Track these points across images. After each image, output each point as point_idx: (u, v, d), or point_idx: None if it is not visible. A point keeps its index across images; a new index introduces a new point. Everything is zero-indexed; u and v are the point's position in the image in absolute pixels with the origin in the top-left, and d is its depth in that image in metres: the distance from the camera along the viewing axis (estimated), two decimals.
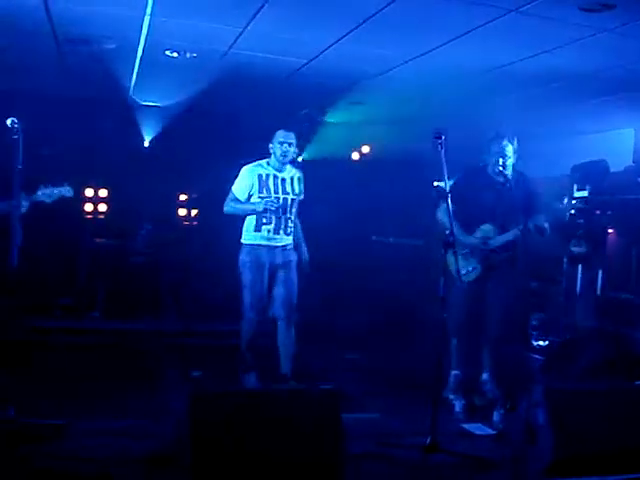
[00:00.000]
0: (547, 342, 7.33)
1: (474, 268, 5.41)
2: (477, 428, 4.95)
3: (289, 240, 5.72)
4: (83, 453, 3.87)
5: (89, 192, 9.12)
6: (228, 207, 5.68)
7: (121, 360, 6.54)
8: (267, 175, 5.62)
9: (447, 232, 4.63)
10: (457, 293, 5.20)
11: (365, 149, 9.88)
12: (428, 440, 4.25)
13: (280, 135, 5.60)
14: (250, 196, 5.62)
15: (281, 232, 5.63)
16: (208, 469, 3.43)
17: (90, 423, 4.45)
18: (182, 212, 9.21)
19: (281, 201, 5.59)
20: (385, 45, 5.59)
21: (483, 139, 5.50)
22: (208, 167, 8.24)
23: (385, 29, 5.15)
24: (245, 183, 5.62)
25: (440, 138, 4.50)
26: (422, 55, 5.73)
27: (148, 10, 5.07)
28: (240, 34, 5.49)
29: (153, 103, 8.66)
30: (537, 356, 6.95)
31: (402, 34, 5.28)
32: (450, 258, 4.69)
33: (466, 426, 4.99)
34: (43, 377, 5.57)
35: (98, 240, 8.84)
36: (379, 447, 4.33)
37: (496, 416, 5.06)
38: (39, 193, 4.62)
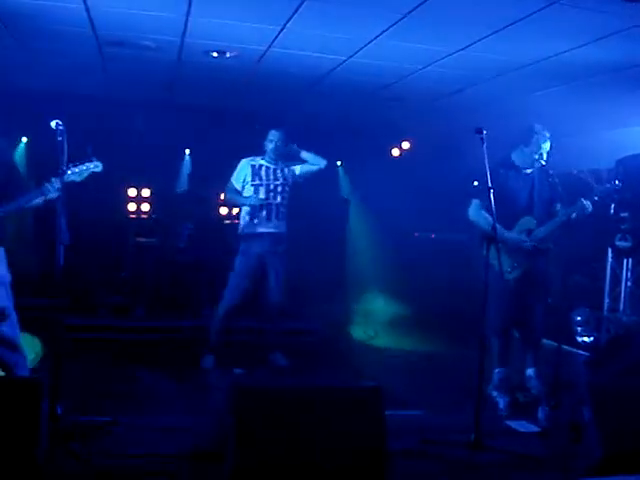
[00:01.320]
0: (592, 338, 7.23)
1: (517, 264, 5.36)
2: (521, 425, 4.91)
3: (282, 225, 6.37)
4: (130, 449, 3.92)
5: (132, 192, 9.26)
6: (227, 195, 6.52)
7: (165, 357, 6.62)
8: (260, 165, 6.39)
9: (489, 227, 4.60)
10: (500, 289, 5.15)
11: (405, 145, 9.84)
12: (472, 437, 4.23)
13: (270, 134, 6.37)
14: (245, 184, 6.36)
15: (272, 218, 6.30)
16: (251, 465, 3.45)
17: (136, 419, 4.52)
18: (223, 211, 9.29)
19: (271, 187, 6.31)
20: (425, 40, 5.54)
21: (519, 133, 5.45)
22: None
23: (425, 24, 5.11)
24: (241, 173, 6.40)
25: (481, 133, 4.47)
26: (463, 49, 5.67)
27: (188, 11, 5.12)
28: (279, 32, 5.50)
29: (193, 103, 8.73)
30: (582, 352, 6.87)
31: (442, 28, 5.23)
32: (493, 253, 4.65)
33: (510, 423, 4.95)
34: (89, 375, 5.66)
35: (141, 239, 8.96)
36: (423, 444, 4.31)
37: (541, 413, 5.01)
38: (68, 173, 4.64)
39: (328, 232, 9.08)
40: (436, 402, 5.38)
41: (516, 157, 5.47)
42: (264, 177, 6.35)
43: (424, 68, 6.35)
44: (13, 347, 4.90)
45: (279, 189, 6.36)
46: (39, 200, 4.79)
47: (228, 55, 6.30)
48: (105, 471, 3.55)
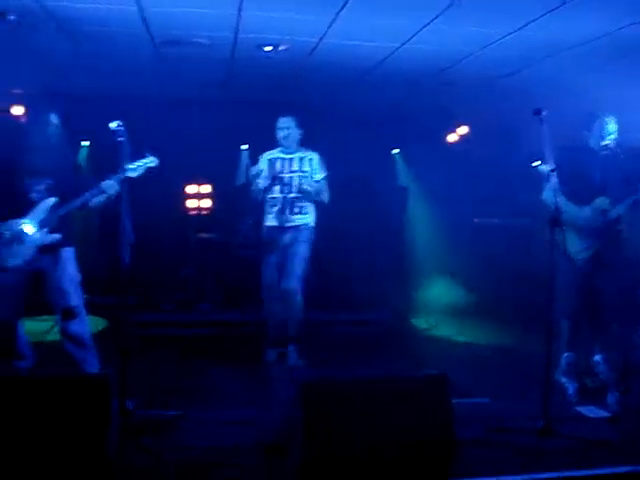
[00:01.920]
0: None
1: (587, 246, 5.24)
2: (591, 411, 4.82)
3: (300, 219, 6.19)
4: (198, 443, 3.98)
5: (192, 189, 9.39)
6: (255, 187, 6.30)
7: (230, 351, 6.71)
8: (276, 158, 6.28)
9: (565, 208, 4.53)
10: (568, 273, 5.06)
11: (461, 130, 9.71)
12: (541, 424, 4.17)
13: (279, 122, 6.24)
14: (259, 176, 6.26)
15: (286, 212, 6.17)
16: (318, 457, 3.47)
17: (203, 413, 4.59)
18: None
19: (285, 180, 6.17)
20: (479, 23, 5.46)
21: (584, 115, 5.34)
22: None
23: (479, 6, 5.04)
24: (258, 167, 6.31)
25: (540, 114, 4.39)
26: (517, 30, 5.58)
27: (240, 6, 5.15)
28: (331, 23, 5.50)
29: (247, 98, 8.78)
30: None
31: (496, 10, 5.15)
32: (559, 236, 4.55)
33: (580, 409, 4.86)
34: (156, 370, 5.77)
35: (203, 235, 9.08)
36: (490, 432, 4.27)
37: (610, 398, 4.92)
38: (125, 169, 4.75)
39: (387, 221, 9.04)
40: (502, 389, 5.32)
41: (585, 139, 5.36)
42: (278, 169, 6.24)
43: (479, 51, 6.25)
44: (82, 344, 5.05)
45: (295, 182, 6.20)
46: (100, 198, 4.94)
47: (281, 48, 6.32)
48: (175, 464, 3.61)
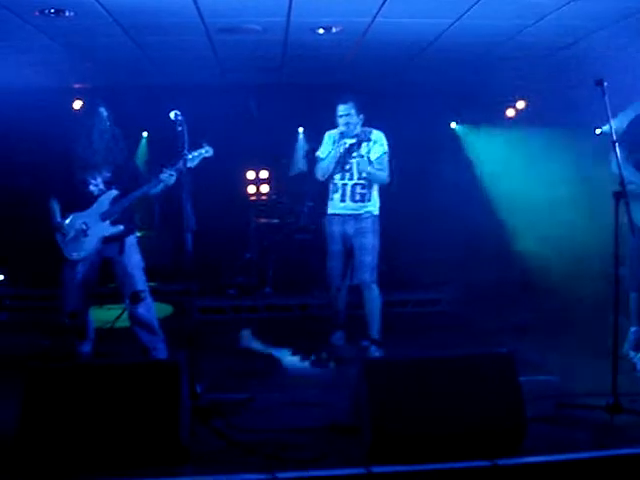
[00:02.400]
0: None
1: None
2: None
3: (364, 208, 5.89)
4: (268, 425, 4.04)
5: (251, 175, 9.47)
6: (318, 171, 6.00)
7: (295, 334, 6.76)
8: (339, 143, 5.87)
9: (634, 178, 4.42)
10: (635, 245, 4.94)
11: (520, 104, 9.54)
12: (611, 400, 4.10)
13: (339, 110, 5.85)
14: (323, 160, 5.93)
15: (347, 199, 5.88)
16: (387, 436, 3.49)
17: (271, 396, 4.65)
18: None
19: (347, 166, 5.86)
20: None
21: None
22: None
23: None
24: (325, 145, 5.97)
25: (602, 85, 4.28)
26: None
27: None
28: (384, 1, 5.45)
29: (302, 81, 8.79)
30: None
31: None
32: (624, 208, 4.44)
33: None
34: (222, 354, 5.86)
35: (263, 220, 9.15)
36: (559, 409, 4.21)
37: None
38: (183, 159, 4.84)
39: (447, 198, 8.95)
40: (570, 366, 5.24)
41: None
42: (340, 154, 5.86)
43: (535, 23, 6.12)
44: (151, 330, 5.18)
45: (355, 167, 5.86)
46: (159, 187, 5.07)
47: (334, 30, 6.30)
48: (246, 446, 3.67)
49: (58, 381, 3.59)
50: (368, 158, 5.86)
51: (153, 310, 5.27)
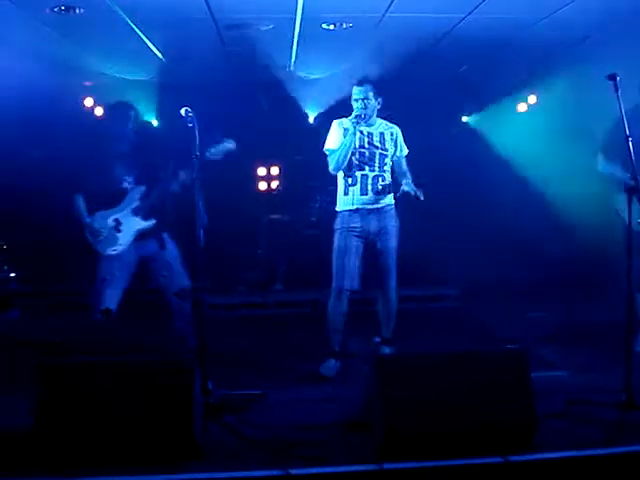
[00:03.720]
0: None
1: None
2: None
3: (384, 201, 5.35)
4: (280, 421, 4.04)
5: (262, 171, 9.47)
6: (331, 165, 5.32)
7: (305, 330, 6.76)
8: (354, 130, 5.21)
9: (629, 177, 4.37)
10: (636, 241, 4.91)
11: (532, 99, 9.49)
12: (624, 397, 4.08)
13: (355, 92, 5.26)
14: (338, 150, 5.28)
15: (369, 193, 5.28)
16: (399, 433, 3.49)
17: (283, 392, 4.65)
18: None
19: (366, 155, 5.27)
20: None
21: None
22: None
23: None
24: (336, 135, 5.31)
25: (615, 79, 4.24)
26: None
27: None
28: None
29: (313, 77, 8.78)
30: None
31: None
32: (623, 205, 4.41)
33: None
34: (233, 351, 5.87)
35: (274, 216, 9.16)
36: (571, 406, 4.20)
37: None
38: (207, 154, 4.90)
39: (460, 193, 8.92)
40: (582, 363, 5.22)
41: None
42: (357, 144, 5.24)
43: (546, 17, 6.09)
44: (189, 321, 5.22)
45: (377, 158, 5.30)
46: (176, 186, 5.13)
47: (344, 26, 6.29)
48: (258, 442, 3.68)
49: (72, 377, 3.61)
50: (396, 149, 5.39)
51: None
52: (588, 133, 7.50)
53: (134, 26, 6.10)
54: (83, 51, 6.93)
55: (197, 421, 3.60)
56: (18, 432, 3.62)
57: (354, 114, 5.21)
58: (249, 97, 8.81)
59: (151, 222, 5.24)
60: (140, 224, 5.23)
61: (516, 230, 8.65)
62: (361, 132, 5.28)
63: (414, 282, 8.33)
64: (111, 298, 5.25)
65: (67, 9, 5.49)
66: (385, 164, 5.35)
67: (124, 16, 5.76)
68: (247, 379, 4.98)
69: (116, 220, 5.20)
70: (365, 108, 5.21)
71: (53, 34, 6.20)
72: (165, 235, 5.35)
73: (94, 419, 3.47)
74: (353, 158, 5.26)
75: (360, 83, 5.27)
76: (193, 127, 4.45)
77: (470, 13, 5.94)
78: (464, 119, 10.00)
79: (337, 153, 5.25)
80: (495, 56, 7.62)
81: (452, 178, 8.89)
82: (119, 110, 5.34)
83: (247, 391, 4.56)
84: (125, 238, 5.20)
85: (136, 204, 5.23)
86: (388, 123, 5.46)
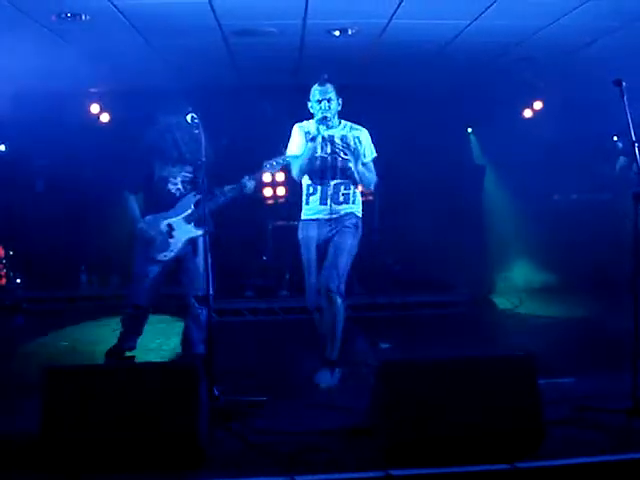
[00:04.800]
0: None
1: None
2: None
3: (344, 209, 5.01)
4: (286, 427, 4.03)
5: (267, 177, 9.45)
6: (294, 172, 5.10)
7: (311, 336, 6.75)
8: (315, 134, 4.97)
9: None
10: None
11: (537, 105, 9.49)
12: (630, 403, 4.06)
13: (317, 93, 4.99)
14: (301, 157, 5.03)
15: (329, 201, 4.96)
16: (403, 439, 3.47)
17: (289, 398, 4.64)
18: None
19: (328, 162, 4.95)
20: None
21: None
22: (378, 144, 8.23)
23: None
24: (299, 140, 5.08)
25: (620, 85, 4.24)
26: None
27: None
28: (400, 3, 5.44)
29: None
30: None
31: None
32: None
33: None
34: (241, 357, 5.87)
35: (280, 223, 9.15)
36: (578, 412, 4.17)
37: None
38: (267, 167, 5.14)
39: (465, 200, 8.93)
40: (589, 368, 5.20)
41: None
42: (318, 149, 4.96)
43: (552, 23, 6.08)
44: (202, 328, 5.23)
45: (339, 164, 4.98)
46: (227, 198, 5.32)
47: (350, 32, 6.30)
48: (264, 449, 3.67)
49: (77, 383, 3.60)
50: (356, 157, 4.99)
51: None
52: (594, 138, 7.53)
53: (140, 33, 6.11)
54: (89, 57, 6.94)
55: (202, 427, 3.59)
56: (24, 437, 3.63)
57: (320, 115, 4.93)
58: (254, 103, 8.82)
59: (202, 230, 5.22)
60: (192, 232, 5.26)
61: (525, 236, 8.66)
62: (323, 137, 4.97)
63: (424, 288, 8.36)
64: (144, 295, 5.32)
65: (73, 16, 5.51)
66: (347, 171, 4.99)
67: (129, 23, 5.77)
68: (253, 385, 4.97)
69: (169, 225, 5.24)
70: (329, 109, 4.94)
71: (58, 40, 6.21)
72: (202, 240, 5.35)
73: (100, 424, 3.46)
74: (314, 164, 4.96)
75: (322, 83, 5.00)
76: (199, 133, 4.47)
77: (475, 19, 5.94)
78: (469, 130, 9.99)
79: (300, 159, 4.99)
80: (499, 63, 7.62)
81: (457, 185, 8.90)
82: (174, 112, 5.33)
83: (253, 397, 4.55)
84: (176, 245, 5.26)
85: (190, 211, 5.26)
86: (353, 125, 5.12)
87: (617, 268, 6.03)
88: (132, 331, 5.42)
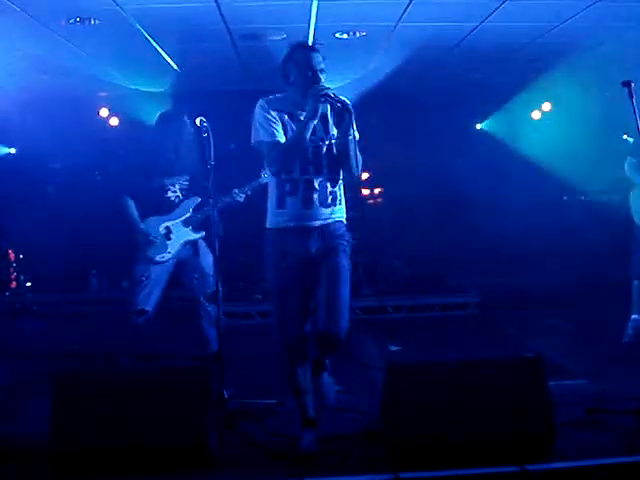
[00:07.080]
0: None
1: None
2: None
3: (335, 213, 3.80)
4: (297, 430, 4.02)
5: None
6: (274, 165, 3.75)
7: None
8: (290, 117, 3.84)
9: None
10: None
11: (546, 107, 9.46)
12: None
13: (313, 59, 3.90)
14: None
15: (316, 203, 3.72)
16: (413, 440, 3.47)
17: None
18: (365, 191, 9.31)
19: (310, 151, 3.71)
20: None
21: None
22: (386, 145, 8.23)
23: None
24: (276, 123, 3.81)
25: (629, 86, 4.23)
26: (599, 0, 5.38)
27: None
28: (407, 5, 5.43)
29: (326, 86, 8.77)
30: None
31: None
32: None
33: None
34: (249, 359, 5.87)
35: None
36: (589, 414, 4.17)
37: None
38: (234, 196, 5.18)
39: (476, 202, 8.90)
40: (600, 369, 5.18)
41: None
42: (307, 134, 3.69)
43: (560, 24, 6.07)
44: (214, 324, 5.24)
45: (322, 153, 3.76)
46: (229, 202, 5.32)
47: (358, 35, 6.30)
48: (274, 452, 3.68)
49: (87, 386, 3.62)
50: (345, 137, 3.69)
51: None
52: (604, 138, 7.50)
53: (149, 37, 6.13)
54: (98, 61, 6.97)
55: (212, 429, 3.60)
56: (34, 441, 3.65)
57: (322, 86, 3.76)
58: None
59: (201, 234, 5.31)
60: (190, 235, 5.31)
61: (534, 237, 8.64)
62: (299, 120, 3.74)
63: (434, 290, 8.35)
64: (147, 299, 5.31)
65: (82, 20, 5.53)
66: (334, 161, 3.77)
67: (139, 27, 5.79)
68: (263, 388, 4.97)
69: (167, 228, 5.27)
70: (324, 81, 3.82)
71: (67, 44, 6.23)
72: (200, 243, 5.39)
73: (110, 427, 3.47)
74: (301, 154, 3.71)
75: (314, 48, 3.98)
76: (208, 137, 4.48)
77: (483, 21, 5.93)
78: (478, 127, 9.99)
79: (280, 148, 3.69)
80: (508, 64, 7.61)
81: (469, 186, 8.88)
82: (173, 119, 5.36)
83: (263, 400, 4.55)
84: (174, 247, 5.29)
85: (189, 215, 5.30)
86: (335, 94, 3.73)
87: (627, 269, 6.03)
88: (141, 335, 5.41)
